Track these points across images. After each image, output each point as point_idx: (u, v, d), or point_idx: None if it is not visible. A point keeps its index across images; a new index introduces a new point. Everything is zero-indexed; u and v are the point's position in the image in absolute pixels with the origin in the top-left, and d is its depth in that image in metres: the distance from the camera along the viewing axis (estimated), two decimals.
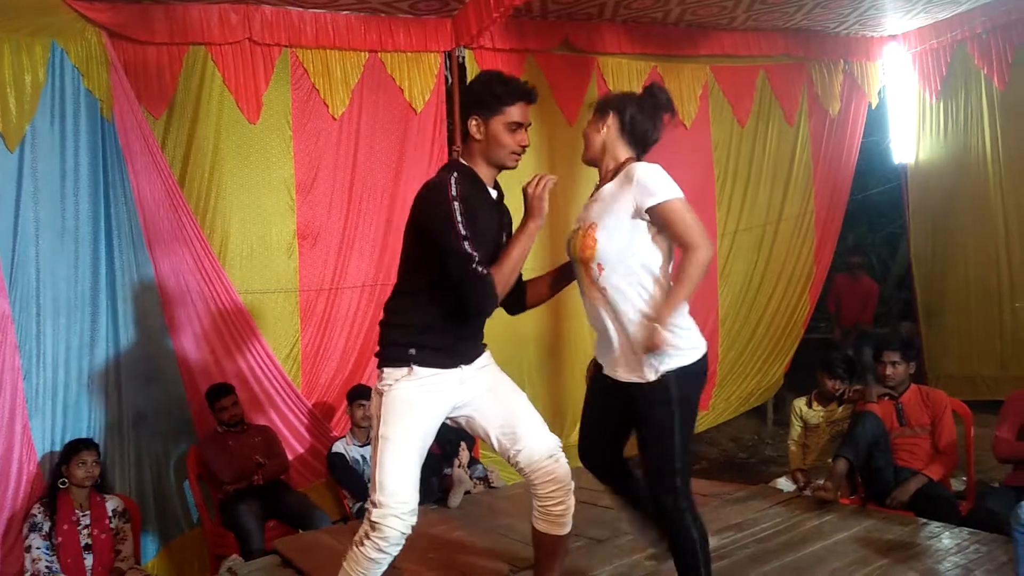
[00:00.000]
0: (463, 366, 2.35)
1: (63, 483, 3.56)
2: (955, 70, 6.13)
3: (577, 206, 5.36)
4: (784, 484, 3.97)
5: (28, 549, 3.43)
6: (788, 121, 6.30)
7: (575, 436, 5.43)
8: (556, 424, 5.41)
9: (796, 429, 4.13)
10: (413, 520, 2.23)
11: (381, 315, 2.42)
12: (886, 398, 3.66)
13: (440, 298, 2.26)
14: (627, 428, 2.39)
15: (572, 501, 2.39)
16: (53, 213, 3.82)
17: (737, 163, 6.10)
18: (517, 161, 2.31)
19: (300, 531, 3.83)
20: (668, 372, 2.12)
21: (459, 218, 2.13)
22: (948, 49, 6.14)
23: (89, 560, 3.52)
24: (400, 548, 2.27)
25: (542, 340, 5.32)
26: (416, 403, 2.28)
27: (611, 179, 2.27)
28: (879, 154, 7.20)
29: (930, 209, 6.48)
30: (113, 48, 4.05)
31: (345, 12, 4.63)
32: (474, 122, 2.26)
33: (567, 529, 2.40)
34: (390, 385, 2.28)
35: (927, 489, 3.40)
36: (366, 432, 4.30)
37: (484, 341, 2.46)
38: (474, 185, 2.27)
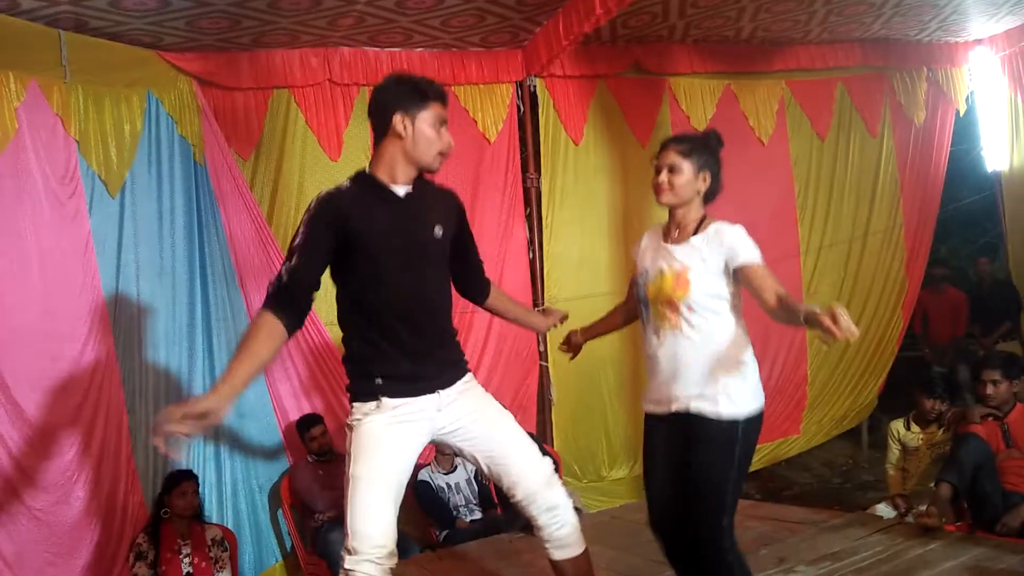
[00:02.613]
0: (440, 391, 2.21)
1: (165, 513, 3.70)
2: None
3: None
4: (884, 510, 3.79)
5: None
6: (871, 132, 6.12)
7: None
8: (636, 451, 5.32)
9: (894, 452, 3.95)
10: (391, 563, 2.06)
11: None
12: (990, 418, 3.48)
13: (374, 321, 2.17)
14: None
15: (575, 516, 2.28)
16: (152, 254, 4.01)
17: (819, 178, 5.95)
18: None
19: None
20: (740, 416, 2.18)
21: (299, 235, 2.16)
22: None
23: None
24: None
25: (621, 365, 5.26)
26: (386, 438, 2.13)
27: (693, 232, 2.31)
28: (970, 162, 6.89)
29: None
30: (203, 95, 4.25)
31: (419, 49, 4.75)
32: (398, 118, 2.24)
33: (582, 546, 2.27)
34: (359, 420, 2.16)
35: None
36: (450, 459, 4.34)
37: (464, 360, 2.35)
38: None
